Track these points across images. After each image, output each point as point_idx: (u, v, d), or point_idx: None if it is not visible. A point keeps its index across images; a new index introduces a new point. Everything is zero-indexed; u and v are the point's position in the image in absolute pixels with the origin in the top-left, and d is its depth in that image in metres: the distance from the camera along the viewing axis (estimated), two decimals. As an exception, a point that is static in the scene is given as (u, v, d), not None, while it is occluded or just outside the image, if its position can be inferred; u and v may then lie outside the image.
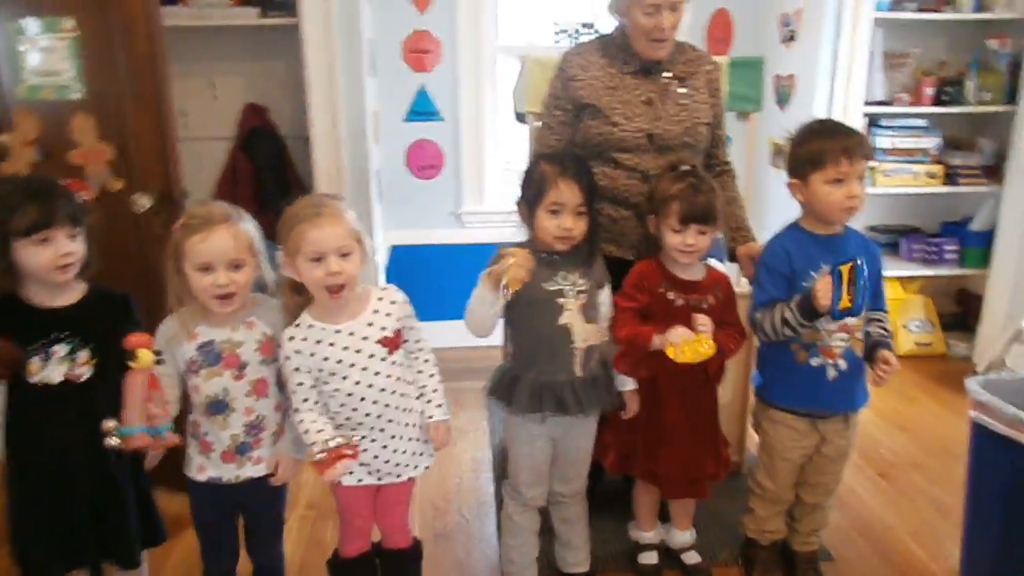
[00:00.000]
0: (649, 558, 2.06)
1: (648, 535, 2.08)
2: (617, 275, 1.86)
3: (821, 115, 3.11)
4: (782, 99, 3.35)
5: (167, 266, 1.53)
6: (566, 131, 1.99)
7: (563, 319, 1.74)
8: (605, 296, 1.84)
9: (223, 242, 1.49)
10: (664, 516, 2.10)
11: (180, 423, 1.59)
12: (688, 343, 1.64)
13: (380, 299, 1.62)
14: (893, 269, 3.55)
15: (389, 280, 3.44)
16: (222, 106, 3.51)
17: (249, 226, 1.58)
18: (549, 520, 1.99)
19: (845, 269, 1.57)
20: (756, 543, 2.01)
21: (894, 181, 3.41)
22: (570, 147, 1.97)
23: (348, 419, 1.59)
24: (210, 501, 1.64)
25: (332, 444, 1.48)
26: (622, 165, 1.92)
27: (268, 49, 3.36)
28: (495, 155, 3.71)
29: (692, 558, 2.07)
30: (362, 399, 1.57)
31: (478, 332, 1.75)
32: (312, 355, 1.55)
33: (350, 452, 1.50)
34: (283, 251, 1.54)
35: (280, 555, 1.78)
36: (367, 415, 1.58)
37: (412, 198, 3.64)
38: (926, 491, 2.49)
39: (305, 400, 1.57)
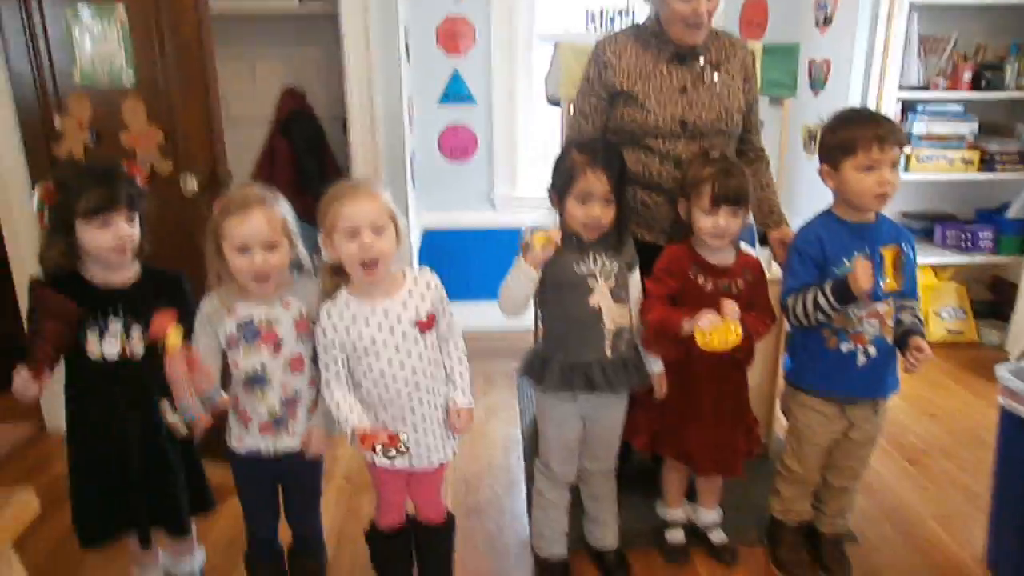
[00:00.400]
0: (676, 536, 2.11)
1: (675, 513, 2.13)
2: (649, 259, 1.89)
3: (855, 100, 3.10)
4: (816, 84, 3.33)
5: (207, 246, 1.59)
6: (600, 118, 2.02)
7: (593, 301, 1.79)
8: (635, 279, 1.88)
9: (259, 224, 1.54)
10: (691, 495, 2.15)
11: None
12: (716, 330, 1.67)
13: (416, 282, 1.66)
14: (926, 256, 3.54)
15: (421, 262, 3.50)
16: (261, 90, 3.60)
17: (284, 208, 1.63)
18: (579, 497, 2.04)
19: (889, 253, 1.59)
20: (782, 523, 2.05)
21: (929, 167, 3.39)
22: (603, 133, 2.01)
23: (379, 398, 1.64)
24: (249, 471, 1.72)
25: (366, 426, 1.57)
26: (655, 151, 1.95)
27: (306, 35, 3.43)
28: (527, 139, 3.75)
29: (718, 536, 2.11)
30: (393, 378, 1.62)
31: (511, 310, 1.80)
32: (347, 331, 1.61)
33: (385, 440, 1.55)
34: (322, 231, 1.59)
35: (318, 525, 1.85)
36: (397, 395, 1.63)
37: (444, 181, 3.70)
38: (955, 478, 2.50)
39: (337, 375, 1.63)
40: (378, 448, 1.55)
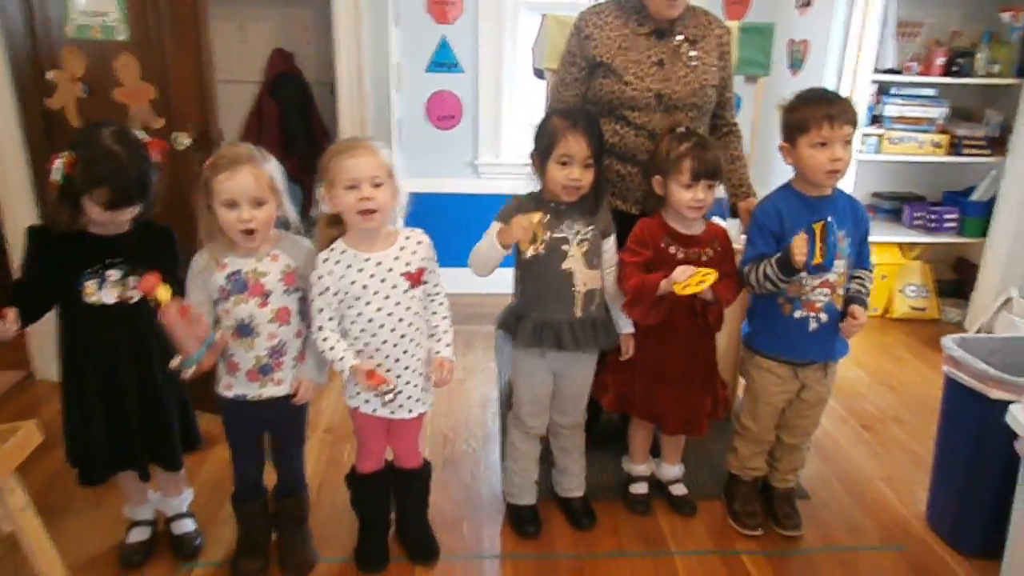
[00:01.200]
0: (639, 488, 2.25)
1: (640, 468, 2.26)
2: (623, 229, 1.99)
3: (831, 81, 3.20)
4: (795, 64, 3.42)
5: (198, 203, 1.66)
6: (580, 88, 2.10)
7: (566, 264, 1.89)
8: (610, 245, 1.98)
9: (246, 181, 1.62)
10: (656, 452, 2.28)
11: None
12: (691, 277, 1.78)
13: (408, 238, 1.77)
14: (894, 235, 3.67)
15: (415, 226, 3.57)
16: (251, 51, 3.64)
17: (272, 167, 1.70)
18: (549, 449, 2.17)
19: (818, 227, 1.70)
20: (738, 479, 2.18)
21: (900, 149, 3.50)
22: (583, 103, 2.09)
23: (367, 345, 1.74)
24: (237, 415, 1.81)
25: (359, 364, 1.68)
26: (631, 123, 2.04)
27: (294, -5, 3.46)
28: (512, 108, 3.81)
29: (679, 490, 2.25)
30: (381, 326, 1.72)
31: (481, 273, 1.91)
32: (341, 277, 1.71)
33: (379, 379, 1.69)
34: (322, 185, 1.68)
35: (301, 468, 1.95)
36: (384, 342, 1.73)
37: (431, 147, 3.77)
38: (904, 443, 2.65)
39: (330, 319, 1.73)
40: (382, 386, 1.68)
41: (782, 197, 1.90)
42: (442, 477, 2.36)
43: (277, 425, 1.85)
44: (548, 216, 1.83)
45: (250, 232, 1.66)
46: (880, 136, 3.48)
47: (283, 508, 1.95)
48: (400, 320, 1.74)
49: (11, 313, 1.61)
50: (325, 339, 1.73)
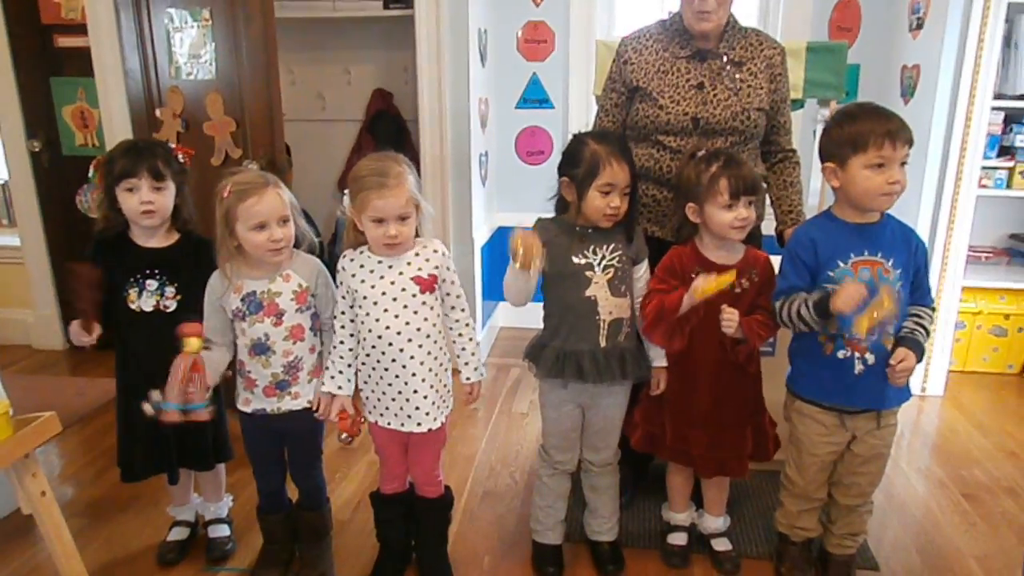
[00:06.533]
0: (677, 539, 2.08)
1: (679, 517, 2.09)
2: (658, 255, 1.90)
3: (943, 108, 2.90)
4: (906, 91, 3.13)
5: (219, 228, 1.73)
6: (620, 113, 2.05)
7: (590, 291, 1.82)
8: (642, 272, 1.89)
9: (275, 201, 1.70)
10: (700, 502, 2.11)
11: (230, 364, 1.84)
12: (709, 282, 1.66)
13: (424, 247, 1.78)
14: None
15: (490, 257, 3.62)
16: (355, 91, 3.87)
17: (285, 189, 1.78)
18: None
19: (887, 295, 1.53)
20: (787, 539, 1.97)
21: (1036, 184, 3.09)
22: (622, 131, 2.03)
23: (373, 348, 1.74)
24: (256, 429, 1.87)
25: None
26: (666, 147, 1.95)
27: (395, 39, 3.66)
28: (603, 144, 3.77)
29: (722, 545, 2.06)
30: (387, 328, 1.72)
31: (514, 301, 1.86)
32: (353, 276, 1.75)
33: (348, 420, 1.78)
34: (351, 201, 1.72)
35: (320, 480, 1.98)
36: (390, 344, 1.73)
37: (520, 183, 3.80)
38: (1014, 519, 2.28)
39: (343, 328, 1.78)
40: (343, 436, 1.79)
41: (818, 225, 1.72)
42: (478, 508, 2.32)
43: (294, 439, 1.90)
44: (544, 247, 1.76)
45: (279, 249, 1.74)
46: (1011, 169, 3.09)
47: (304, 522, 1.99)
48: (407, 324, 1.73)
49: (75, 324, 1.79)
50: (333, 362, 1.80)
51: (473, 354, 1.86)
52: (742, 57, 1.96)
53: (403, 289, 1.73)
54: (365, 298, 1.74)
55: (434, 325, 1.77)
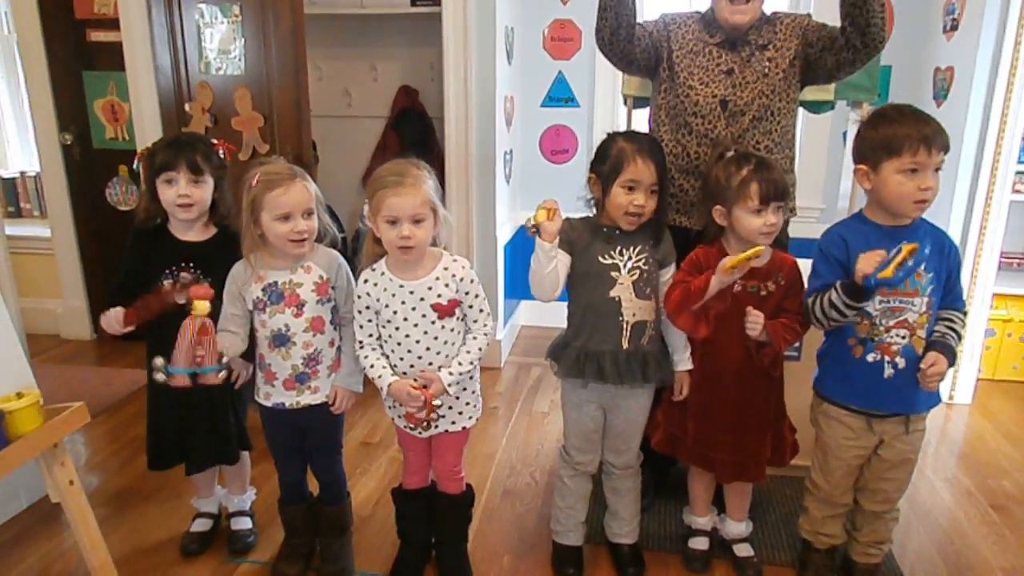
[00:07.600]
0: (699, 543, 2.06)
1: (700, 521, 2.08)
2: (684, 245, 1.89)
3: (976, 113, 2.84)
4: (939, 94, 3.08)
5: (244, 218, 1.74)
6: (641, 34, 2.01)
7: (614, 292, 1.81)
8: (669, 275, 1.87)
9: (301, 193, 1.72)
10: (722, 506, 2.09)
11: (249, 356, 1.86)
12: (739, 255, 1.64)
13: (446, 268, 1.75)
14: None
15: (512, 257, 3.61)
16: (381, 88, 3.88)
17: (309, 180, 1.78)
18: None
19: (907, 248, 1.50)
20: (811, 546, 1.94)
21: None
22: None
23: (400, 361, 1.76)
24: (276, 423, 1.89)
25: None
26: (693, 131, 1.97)
27: (422, 36, 3.66)
28: (628, 143, 3.75)
29: (744, 550, 2.04)
30: (408, 351, 1.74)
31: (542, 295, 1.83)
32: (377, 299, 1.75)
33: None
34: (369, 207, 1.73)
35: (340, 473, 1.99)
36: (411, 367, 1.75)
37: (544, 181, 3.79)
38: (1044, 532, 2.24)
39: (370, 336, 1.78)
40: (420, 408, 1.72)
41: (848, 226, 1.70)
42: (498, 506, 2.32)
43: (313, 433, 1.91)
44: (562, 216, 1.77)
45: (302, 241, 1.74)
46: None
47: (324, 516, 2.00)
48: (427, 349, 1.74)
49: (118, 312, 1.80)
50: (366, 357, 1.77)
51: (460, 362, 1.75)
52: (769, 39, 1.97)
53: (423, 316, 1.73)
54: (389, 321, 1.74)
55: (453, 344, 1.76)
